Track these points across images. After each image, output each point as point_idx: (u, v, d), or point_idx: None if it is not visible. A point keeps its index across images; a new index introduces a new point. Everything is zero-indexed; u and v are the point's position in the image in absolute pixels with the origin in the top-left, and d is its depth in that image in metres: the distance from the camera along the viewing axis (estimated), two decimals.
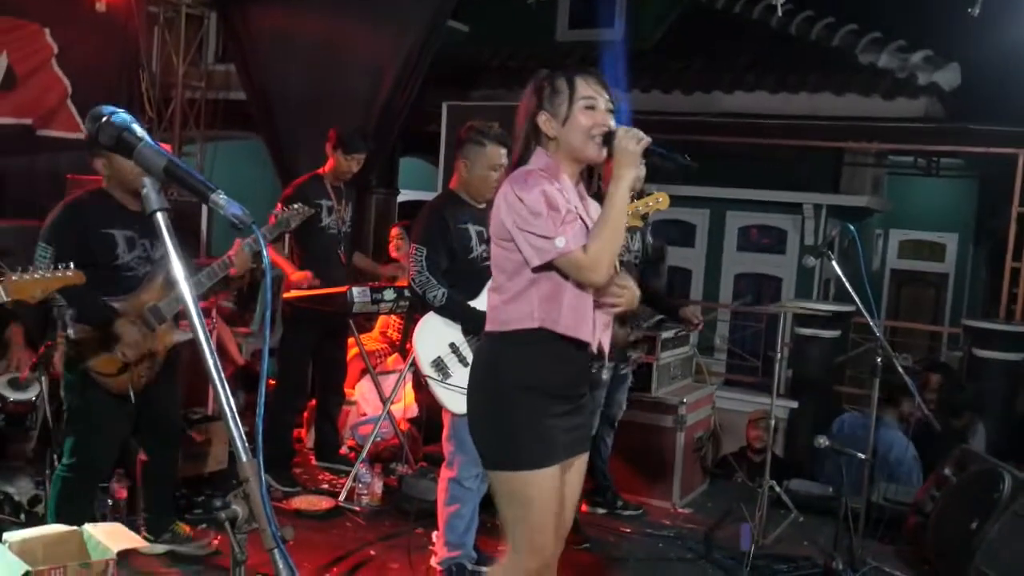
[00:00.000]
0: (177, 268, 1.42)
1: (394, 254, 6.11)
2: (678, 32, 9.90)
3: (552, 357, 2.47)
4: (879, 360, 4.01)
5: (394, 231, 6.32)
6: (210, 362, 1.39)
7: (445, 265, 3.75)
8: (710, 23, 9.54)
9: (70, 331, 3.42)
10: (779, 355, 4.65)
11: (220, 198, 1.39)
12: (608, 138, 2.45)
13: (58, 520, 3.37)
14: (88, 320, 3.41)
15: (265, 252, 1.41)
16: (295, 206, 4.16)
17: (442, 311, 3.68)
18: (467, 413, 2.65)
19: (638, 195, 4.11)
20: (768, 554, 4.29)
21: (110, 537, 2.93)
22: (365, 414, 5.62)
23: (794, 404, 6.91)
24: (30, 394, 3.97)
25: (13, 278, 2.85)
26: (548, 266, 2.41)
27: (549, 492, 2.47)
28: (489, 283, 2.63)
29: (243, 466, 1.37)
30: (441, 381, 3.58)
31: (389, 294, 4.77)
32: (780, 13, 6.12)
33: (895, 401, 5.43)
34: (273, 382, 5.02)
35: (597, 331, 2.53)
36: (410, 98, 6.61)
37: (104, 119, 1.44)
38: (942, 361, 7.47)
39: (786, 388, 6.96)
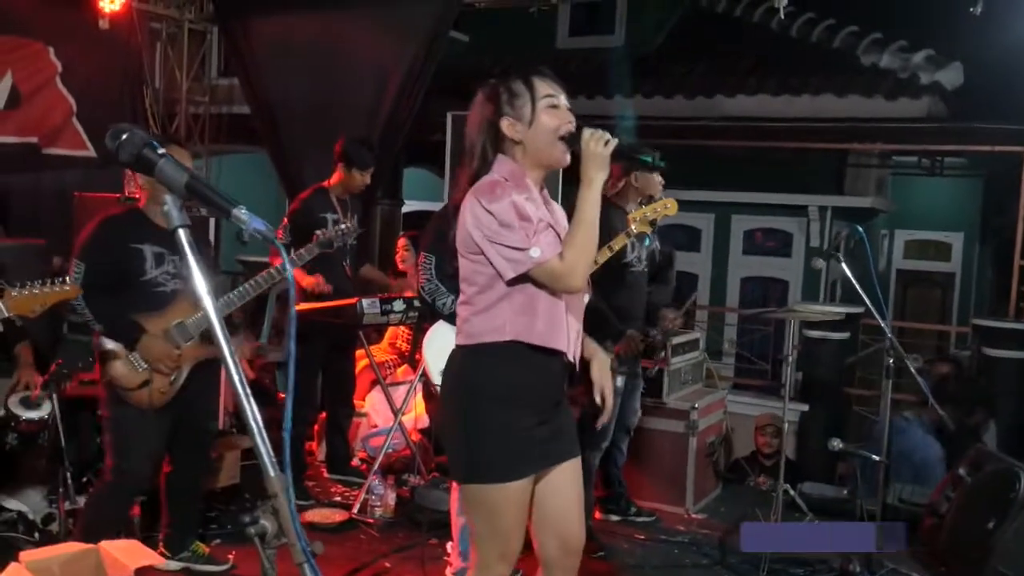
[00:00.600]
0: (200, 284, 1.42)
1: (401, 266, 6.11)
2: (679, 37, 9.91)
3: (524, 368, 2.41)
4: (891, 361, 4.00)
5: (401, 242, 6.32)
6: (236, 377, 1.39)
7: (453, 273, 3.75)
8: (711, 27, 9.55)
9: (103, 344, 3.47)
10: (788, 358, 4.65)
11: (243, 213, 1.39)
12: (574, 137, 2.39)
13: (86, 532, 3.37)
14: (116, 336, 3.49)
15: (288, 266, 1.41)
16: (342, 226, 4.38)
17: (451, 319, 3.68)
18: (440, 426, 2.61)
19: (648, 201, 4.11)
20: (784, 557, 4.27)
21: (127, 554, 2.92)
22: (376, 426, 5.61)
23: (804, 407, 6.88)
24: (42, 412, 3.97)
25: (13, 294, 2.92)
26: (522, 277, 2.34)
27: (518, 504, 2.44)
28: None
29: (271, 481, 1.36)
30: None
31: (398, 305, 4.77)
32: (782, 16, 6.10)
33: (924, 402, 5.40)
34: (282, 395, 5.01)
35: (572, 340, 2.46)
36: (414, 108, 6.61)
37: (124, 136, 1.44)
38: (952, 356, 7.44)
39: (796, 391, 6.94)
